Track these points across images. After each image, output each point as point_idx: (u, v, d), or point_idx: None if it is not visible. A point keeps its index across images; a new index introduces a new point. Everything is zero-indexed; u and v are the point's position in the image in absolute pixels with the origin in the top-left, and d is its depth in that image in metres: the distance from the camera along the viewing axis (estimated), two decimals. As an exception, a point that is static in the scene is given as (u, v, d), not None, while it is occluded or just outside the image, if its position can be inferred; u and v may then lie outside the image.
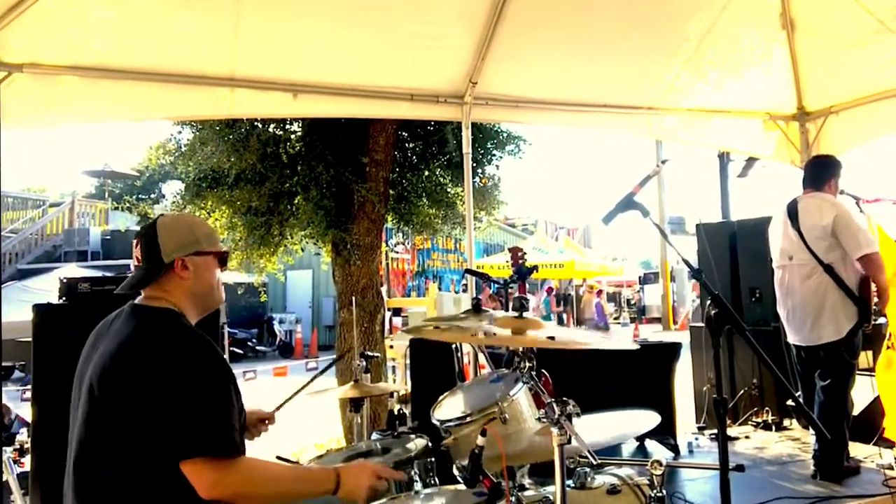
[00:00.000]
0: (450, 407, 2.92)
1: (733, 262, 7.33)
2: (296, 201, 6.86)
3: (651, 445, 6.15)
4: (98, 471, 2.13)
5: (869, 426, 5.65)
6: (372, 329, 6.91)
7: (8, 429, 6.11)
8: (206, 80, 5.28)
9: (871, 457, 5.43)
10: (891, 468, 5.15)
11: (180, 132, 7.12)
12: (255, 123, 6.67)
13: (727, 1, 5.65)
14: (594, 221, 41.84)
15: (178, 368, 2.11)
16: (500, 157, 7.94)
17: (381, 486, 2.36)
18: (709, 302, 2.52)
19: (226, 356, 2.78)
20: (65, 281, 4.43)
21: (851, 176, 5.53)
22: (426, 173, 7.64)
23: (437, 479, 2.97)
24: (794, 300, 5.19)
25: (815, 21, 6.06)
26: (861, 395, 5.53)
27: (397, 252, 17.24)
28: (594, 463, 2.10)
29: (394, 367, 8.60)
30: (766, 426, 6.74)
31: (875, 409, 5.66)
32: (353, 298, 6.36)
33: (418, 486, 2.86)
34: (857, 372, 5.17)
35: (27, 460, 4.92)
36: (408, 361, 5.76)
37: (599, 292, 26.85)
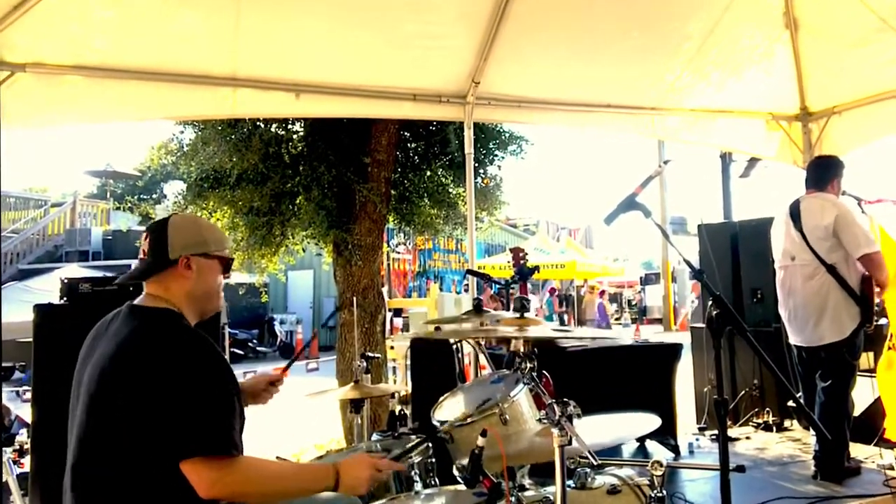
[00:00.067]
0: (450, 408, 2.92)
1: (735, 263, 7.33)
2: (297, 201, 6.85)
3: (651, 446, 6.14)
4: (97, 471, 2.13)
5: (870, 427, 5.65)
6: (373, 330, 6.90)
7: (8, 429, 6.11)
8: (208, 79, 5.28)
9: (872, 457, 5.43)
10: (891, 468, 5.15)
11: (182, 132, 7.11)
12: (258, 123, 6.66)
13: (730, 0, 5.65)
14: (596, 222, 41.86)
15: (177, 368, 2.11)
16: (502, 158, 7.93)
17: (381, 477, 2.36)
18: (710, 302, 2.52)
19: (226, 357, 2.79)
20: (66, 281, 4.43)
21: (854, 176, 5.53)
22: (428, 173, 7.63)
23: (437, 480, 2.97)
24: (795, 301, 5.19)
25: (818, 20, 6.05)
26: (862, 395, 5.53)
27: (399, 252, 17.25)
28: (594, 463, 2.10)
29: (394, 368, 8.59)
30: (767, 427, 6.74)
31: (876, 410, 5.66)
32: (354, 299, 6.35)
33: (418, 486, 2.86)
34: (858, 373, 5.17)
35: (27, 461, 4.91)
36: (408, 362, 5.76)
37: (602, 293, 26.85)
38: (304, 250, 7.86)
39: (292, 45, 5.28)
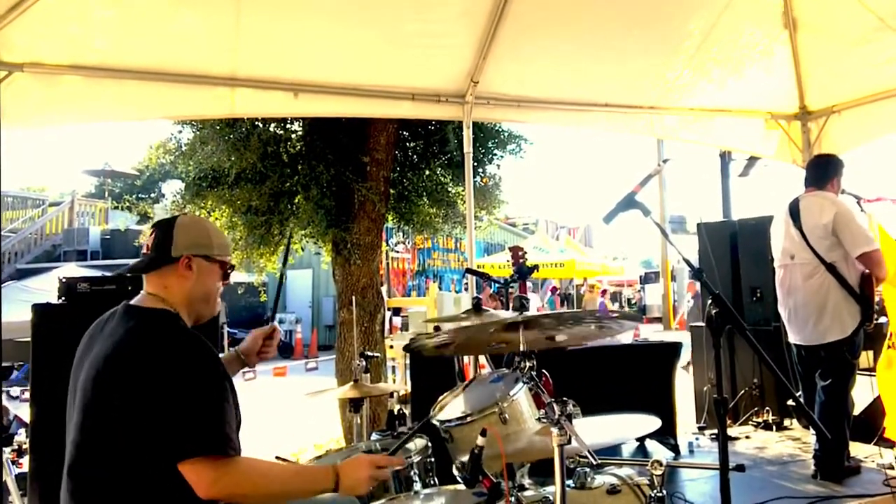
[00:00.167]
0: (450, 407, 2.91)
1: (734, 262, 7.33)
2: (296, 200, 6.85)
3: (651, 445, 6.14)
4: (94, 472, 2.12)
5: (869, 426, 5.65)
6: (372, 329, 6.90)
7: (6, 429, 6.11)
8: (206, 79, 5.28)
9: (872, 456, 5.43)
10: (891, 468, 5.15)
11: (180, 131, 7.10)
12: (256, 123, 6.66)
13: None
14: (595, 221, 41.84)
15: (174, 368, 2.10)
16: (501, 157, 7.93)
17: (382, 475, 2.35)
18: (710, 301, 2.51)
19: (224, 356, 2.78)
20: (64, 281, 4.42)
21: (853, 175, 5.53)
22: (427, 173, 7.63)
23: (436, 479, 2.97)
24: (795, 299, 5.18)
25: (817, 20, 6.06)
26: (861, 394, 5.53)
27: (398, 251, 17.25)
28: (594, 463, 2.10)
29: (393, 367, 8.59)
30: (767, 426, 6.74)
31: (876, 409, 5.66)
32: (354, 298, 6.35)
33: (418, 486, 2.86)
34: (858, 372, 5.16)
35: (25, 461, 4.91)
36: (408, 361, 5.75)
37: (604, 292, 26.85)
38: (302, 249, 7.86)
39: (291, 44, 5.28)
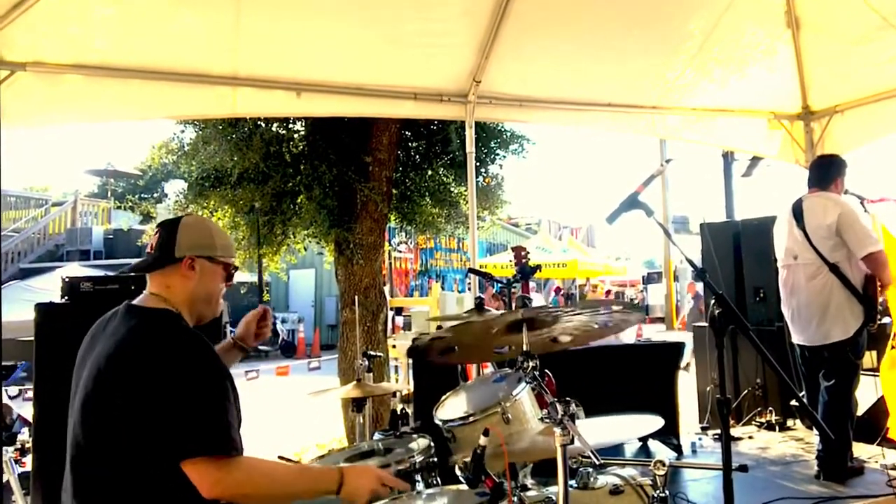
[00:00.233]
0: (452, 407, 2.91)
1: (737, 262, 7.32)
2: (299, 200, 6.86)
3: (654, 445, 6.13)
4: (96, 471, 2.12)
5: (873, 426, 5.64)
6: (374, 328, 6.90)
7: (9, 428, 6.11)
8: (208, 78, 5.28)
9: (875, 457, 5.41)
10: (895, 468, 5.13)
11: (183, 131, 7.12)
12: (258, 122, 6.67)
13: (731, -1, 5.65)
14: (598, 221, 41.81)
15: (176, 368, 2.10)
16: (504, 157, 7.94)
17: (384, 492, 2.35)
18: (713, 301, 2.51)
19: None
20: (67, 280, 4.43)
21: (856, 175, 5.52)
22: (429, 173, 7.63)
23: (439, 479, 2.96)
24: (798, 300, 5.18)
25: (819, 19, 6.05)
26: (865, 395, 5.52)
27: (400, 251, 17.24)
28: (597, 463, 2.09)
29: (396, 367, 8.59)
30: (770, 426, 6.73)
31: (879, 410, 5.65)
32: (356, 298, 6.35)
33: (420, 485, 2.85)
34: (861, 372, 5.15)
35: (28, 460, 4.91)
36: (410, 361, 5.75)
37: (608, 292, 26.81)
38: (305, 249, 7.87)
39: (293, 43, 5.28)
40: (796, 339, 5.29)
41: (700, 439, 6.44)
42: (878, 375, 5.58)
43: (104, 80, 4.90)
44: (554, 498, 2.48)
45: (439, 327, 3.97)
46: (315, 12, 5.05)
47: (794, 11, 6.04)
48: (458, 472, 2.50)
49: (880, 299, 5.03)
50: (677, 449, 5.91)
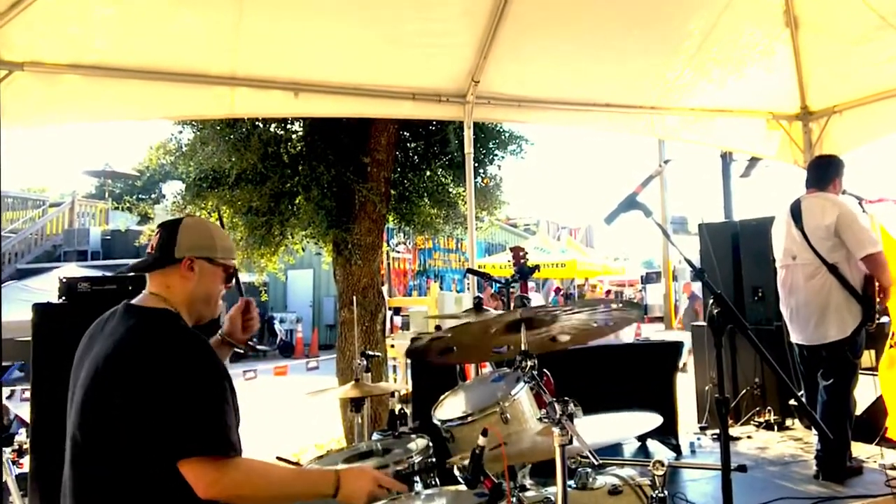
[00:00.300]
0: (451, 406, 2.90)
1: (736, 262, 7.33)
2: (297, 201, 6.85)
3: (653, 445, 6.13)
4: (95, 471, 2.12)
5: (872, 426, 5.65)
6: (373, 328, 6.90)
7: (7, 429, 6.10)
8: (206, 79, 5.27)
9: (874, 457, 5.42)
10: (893, 468, 5.14)
11: (181, 132, 7.11)
12: (256, 123, 6.66)
13: (729, -1, 5.64)
14: (596, 221, 41.83)
15: (174, 368, 2.10)
16: (502, 157, 7.93)
17: (381, 493, 2.35)
18: (711, 301, 2.50)
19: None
20: (64, 280, 4.42)
21: (854, 175, 5.52)
22: (428, 173, 7.63)
23: (437, 480, 2.96)
24: (797, 299, 5.18)
25: (818, 19, 6.05)
26: (864, 394, 5.52)
27: (398, 252, 17.23)
28: (596, 463, 2.09)
29: (395, 367, 8.58)
30: (769, 426, 6.73)
31: (878, 409, 5.65)
32: (354, 298, 6.35)
33: (419, 486, 2.85)
34: (860, 371, 5.15)
35: (26, 461, 4.90)
36: (409, 361, 5.74)
37: (608, 292, 26.83)
38: (303, 250, 7.86)
39: (291, 44, 5.27)
40: (795, 338, 5.29)
41: (699, 439, 6.44)
42: (876, 375, 5.59)
43: (102, 80, 4.89)
44: (553, 498, 2.48)
45: (438, 327, 3.96)
46: (314, 12, 5.04)
47: (793, 11, 6.04)
48: (456, 472, 2.50)
49: (878, 297, 5.03)
50: (676, 449, 5.91)
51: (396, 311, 13.45)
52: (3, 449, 4.66)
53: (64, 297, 4.35)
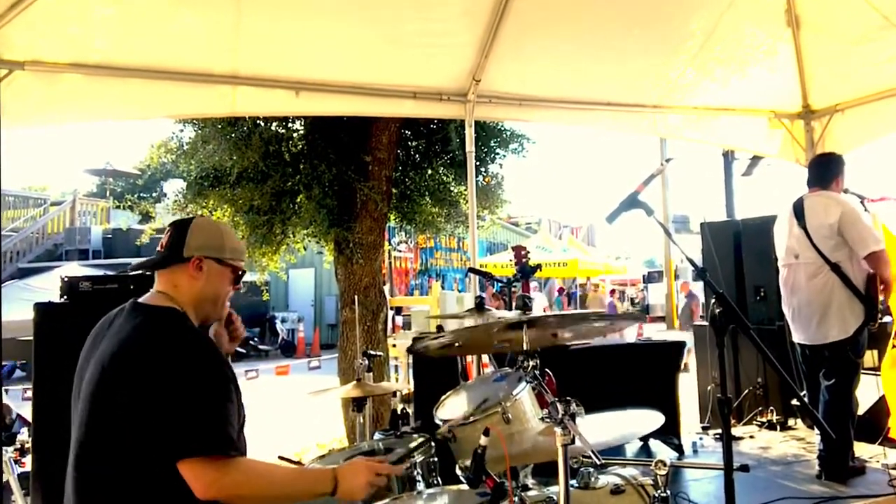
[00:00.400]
0: (453, 406, 2.90)
1: (738, 261, 7.32)
2: (298, 200, 6.84)
3: (655, 445, 6.13)
4: (99, 469, 2.12)
5: (874, 426, 5.64)
6: (375, 328, 6.89)
7: (9, 428, 6.10)
8: (208, 77, 5.26)
9: (877, 457, 5.41)
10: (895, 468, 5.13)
11: (182, 130, 7.10)
12: (258, 122, 6.65)
13: (732, -2, 5.63)
14: (598, 220, 41.89)
15: (179, 367, 2.09)
16: (504, 156, 7.92)
17: (380, 481, 2.34)
18: (713, 300, 2.50)
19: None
20: (66, 279, 4.42)
21: (857, 174, 5.52)
22: (429, 172, 7.62)
23: (439, 479, 2.95)
24: (799, 299, 5.17)
25: (820, 18, 6.03)
26: (866, 394, 5.51)
27: (400, 251, 17.24)
28: (598, 463, 2.08)
29: (396, 366, 8.58)
30: (771, 426, 6.72)
31: (880, 409, 5.65)
32: (356, 297, 6.34)
33: (421, 485, 2.84)
34: (862, 371, 5.15)
35: (28, 460, 4.90)
36: (410, 360, 5.74)
37: (612, 291, 26.85)
38: (304, 249, 7.85)
39: (292, 42, 5.26)
40: (797, 338, 5.28)
41: (701, 439, 6.44)
42: (879, 375, 5.58)
43: (103, 80, 4.89)
44: (555, 498, 2.47)
45: (439, 327, 3.96)
46: (315, 12, 5.04)
47: (795, 10, 6.03)
48: (458, 471, 2.50)
49: (881, 298, 5.02)
50: (678, 449, 5.90)
51: (398, 310, 13.46)
52: (6, 448, 4.67)
53: (65, 297, 4.34)
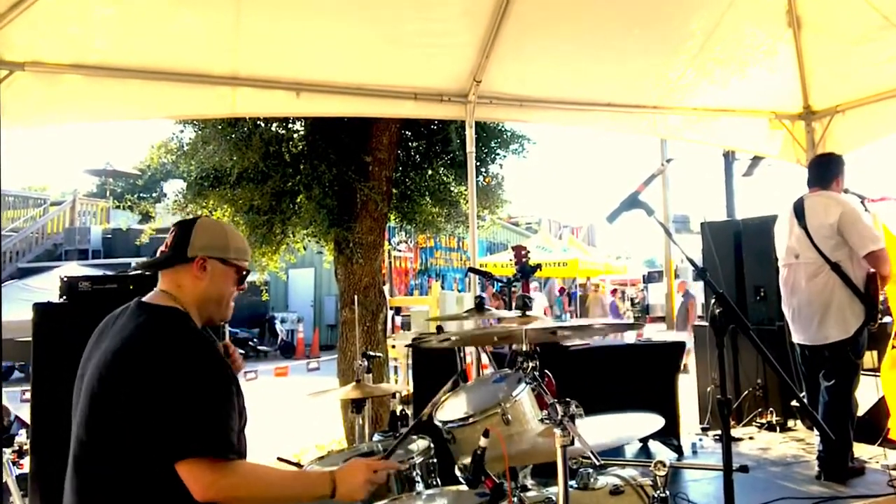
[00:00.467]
0: (452, 408, 2.90)
1: (738, 261, 7.32)
2: (298, 200, 6.84)
3: (654, 446, 6.13)
4: (98, 469, 2.11)
5: (874, 426, 5.64)
6: (374, 328, 6.89)
7: (7, 430, 6.10)
8: (208, 78, 5.26)
9: (876, 457, 5.41)
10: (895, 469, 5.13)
11: (182, 131, 7.10)
12: (258, 122, 6.65)
13: (732, -2, 5.63)
14: (598, 220, 41.88)
15: (180, 367, 2.09)
16: (504, 156, 7.92)
17: (379, 478, 2.34)
18: (713, 300, 2.49)
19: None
20: (65, 280, 4.41)
21: (857, 175, 5.52)
22: (429, 172, 7.62)
23: (438, 480, 2.95)
24: (799, 299, 5.17)
25: (821, 19, 6.03)
26: (866, 395, 5.51)
27: (400, 251, 17.24)
28: (597, 464, 2.08)
29: (396, 368, 8.57)
30: (771, 427, 6.72)
31: (880, 410, 5.64)
32: (356, 297, 6.34)
33: (420, 486, 2.84)
34: (862, 372, 5.14)
35: (26, 462, 4.90)
36: (410, 361, 5.74)
37: (613, 291, 26.85)
38: (304, 249, 7.85)
39: (293, 43, 5.26)
40: (797, 338, 5.28)
41: (700, 440, 6.44)
42: (878, 375, 5.58)
43: (103, 80, 4.89)
44: (554, 498, 2.47)
45: (439, 328, 3.95)
46: (315, 12, 5.03)
47: (796, 11, 6.02)
48: (457, 472, 2.50)
49: (881, 297, 5.02)
50: (678, 449, 5.90)
51: (397, 310, 13.46)
52: (4, 449, 4.66)
53: (65, 297, 4.34)
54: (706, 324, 7.16)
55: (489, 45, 5.60)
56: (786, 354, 5.55)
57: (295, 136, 6.95)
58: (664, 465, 2.38)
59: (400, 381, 7.91)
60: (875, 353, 5.73)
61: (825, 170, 5.32)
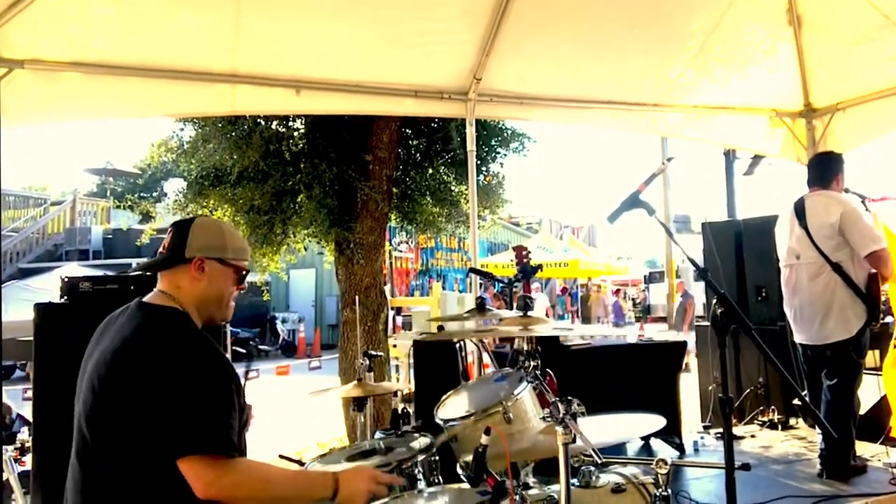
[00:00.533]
0: (454, 406, 2.90)
1: (739, 261, 7.31)
2: (298, 199, 6.84)
3: (656, 444, 6.13)
4: (100, 467, 2.11)
5: (876, 425, 5.64)
6: (375, 328, 6.89)
7: (9, 428, 6.10)
8: (207, 76, 5.26)
9: (878, 455, 5.42)
10: (898, 467, 5.12)
11: (182, 129, 7.10)
12: (258, 121, 6.65)
13: (733, -3, 5.63)
14: (599, 220, 41.86)
15: (180, 366, 2.09)
16: (505, 155, 7.91)
17: (381, 491, 2.34)
18: (715, 301, 2.49)
19: (227, 356, 2.76)
20: (66, 280, 4.41)
21: (858, 173, 5.51)
22: (430, 171, 7.61)
23: (440, 478, 2.95)
24: (801, 299, 5.16)
25: (821, 17, 6.03)
26: (868, 394, 5.51)
27: (401, 251, 17.22)
28: (599, 462, 2.08)
29: (397, 366, 8.56)
30: (772, 425, 6.72)
31: (882, 408, 5.65)
32: (357, 297, 6.33)
33: (422, 484, 2.84)
34: (864, 371, 5.14)
35: (28, 459, 4.90)
36: (411, 360, 5.73)
37: (616, 291, 26.87)
38: (305, 249, 7.84)
39: (293, 41, 5.26)
40: (798, 338, 5.27)
41: (702, 438, 6.44)
42: (880, 374, 5.58)
43: (103, 78, 4.89)
44: (556, 496, 2.47)
45: (440, 328, 3.95)
46: (315, 11, 5.03)
47: (796, 9, 6.02)
48: (459, 470, 2.49)
49: (883, 298, 5.02)
50: (679, 448, 5.90)
51: (398, 310, 13.44)
52: (6, 447, 4.67)
53: (65, 297, 4.34)
54: (707, 323, 7.16)
55: (489, 44, 5.60)
56: (788, 354, 5.54)
57: (295, 134, 6.95)
58: (666, 463, 2.38)
59: (401, 380, 7.90)
60: (877, 352, 5.73)
61: (825, 168, 5.31)
